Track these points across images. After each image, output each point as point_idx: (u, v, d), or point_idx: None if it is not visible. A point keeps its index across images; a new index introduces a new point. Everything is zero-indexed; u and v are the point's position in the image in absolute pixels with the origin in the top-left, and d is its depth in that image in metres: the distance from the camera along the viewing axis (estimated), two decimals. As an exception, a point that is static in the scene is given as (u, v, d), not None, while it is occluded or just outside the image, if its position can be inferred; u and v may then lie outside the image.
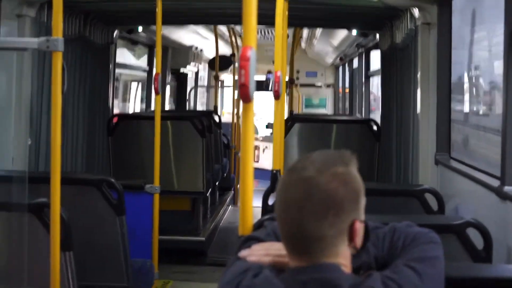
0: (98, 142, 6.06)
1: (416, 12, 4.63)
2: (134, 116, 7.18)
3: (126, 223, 3.75)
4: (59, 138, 2.78)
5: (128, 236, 3.79)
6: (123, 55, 8.69)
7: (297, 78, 12.28)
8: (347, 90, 11.09)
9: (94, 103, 5.91)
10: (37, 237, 2.93)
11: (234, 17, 5.94)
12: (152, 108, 7.63)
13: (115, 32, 6.40)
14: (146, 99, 9.10)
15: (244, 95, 1.86)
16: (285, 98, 9.40)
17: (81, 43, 5.45)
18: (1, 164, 4.31)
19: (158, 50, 5.10)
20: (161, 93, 9.27)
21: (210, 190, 7.07)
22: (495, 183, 3.28)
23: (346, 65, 10.99)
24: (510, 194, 3.06)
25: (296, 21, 6.30)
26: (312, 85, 12.54)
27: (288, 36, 9.66)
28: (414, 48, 4.69)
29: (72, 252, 3.00)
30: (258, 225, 2.21)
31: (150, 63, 8.82)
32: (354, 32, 6.94)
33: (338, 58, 10.95)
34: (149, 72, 8.80)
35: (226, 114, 13.66)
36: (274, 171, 3.85)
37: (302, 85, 12.43)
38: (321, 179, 1.53)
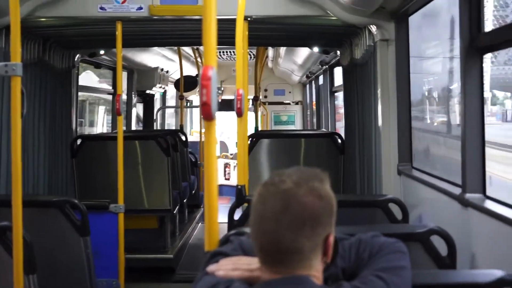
0: (62, 164, 5.98)
1: (374, 29, 4.68)
2: (98, 136, 7.11)
3: (90, 244, 3.69)
4: (20, 161, 2.73)
5: (94, 256, 3.73)
6: (90, 78, 8.64)
7: (265, 97, 12.40)
8: (314, 106, 11.20)
9: (56, 126, 5.84)
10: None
11: (194, 38, 5.95)
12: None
13: (77, 56, 6.35)
14: (112, 120, 9.03)
15: (206, 113, 1.85)
16: (253, 115, 9.52)
17: (40, 68, 5.39)
18: None
19: (119, 73, 5.08)
20: (127, 113, 9.38)
21: (177, 207, 7.02)
22: (457, 191, 3.30)
23: (313, 82, 11.08)
24: (472, 201, 3.08)
25: (257, 40, 6.33)
26: (281, 103, 12.65)
27: (253, 55, 9.78)
28: (373, 63, 4.74)
29: (35, 275, 2.93)
30: (224, 241, 2.17)
31: (114, 85, 8.77)
32: (316, 49, 6.98)
33: (305, 76, 11.04)
34: (114, 94, 8.74)
35: (195, 133, 13.67)
36: (239, 187, 3.82)
37: (271, 103, 12.54)
38: (299, 191, 1.54)
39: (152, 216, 6.74)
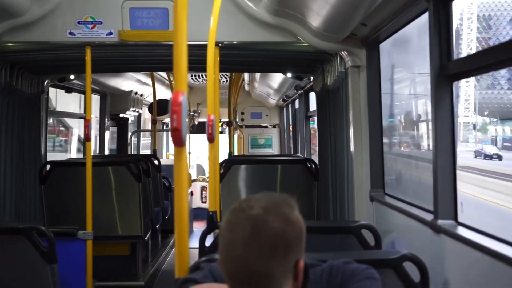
0: (30, 190, 5.88)
1: (345, 55, 4.72)
2: (67, 162, 7.01)
3: (57, 272, 3.62)
4: None
5: (61, 284, 3.66)
6: (61, 102, 8.55)
7: (242, 120, 12.40)
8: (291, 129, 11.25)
9: (24, 151, 5.76)
10: None
11: (166, 64, 5.95)
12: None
13: (46, 81, 6.29)
14: (84, 145, 8.95)
15: (176, 139, 1.85)
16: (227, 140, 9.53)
17: (8, 93, 5.33)
18: None
19: (88, 98, 5.03)
20: (100, 137, 9.29)
21: (149, 233, 6.95)
22: (429, 217, 3.31)
23: (289, 105, 11.13)
24: (443, 227, 3.09)
25: (229, 66, 6.35)
26: (258, 126, 12.66)
27: (227, 79, 9.81)
28: (345, 89, 4.77)
29: None
30: (195, 267, 2.14)
31: (85, 109, 8.70)
32: (289, 75, 7.03)
33: (281, 99, 11.09)
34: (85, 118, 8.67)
35: (171, 156, 13.59)
36: (210, 213, 3.80)
37: (248, 126, 12.55)
38: (268, 218, 1.53)
39: (124, 242, 6.65)
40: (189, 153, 12.81)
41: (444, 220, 3.15)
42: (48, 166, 6.28)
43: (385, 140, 4.69)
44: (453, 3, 3.18)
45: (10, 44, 4.77)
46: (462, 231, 2.98)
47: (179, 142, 1.86)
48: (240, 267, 1.54)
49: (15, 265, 3.53)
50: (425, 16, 3.31)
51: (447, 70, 3.14)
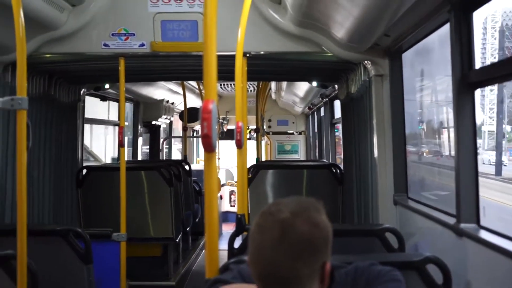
0: (67, 194, 5.96)
1: (368, 65, 4.70)
2: (103, 167, 7.09)
3: (93, 272, 3.65)
4: (25, 192, 2.72)
5: (96, 284, 3.69)
6: (98, 110, 8.67)
7: (269, 127, 12.41)
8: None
9: (62, 157, 5.84)
10: None
11: (196, 73, 5.98)
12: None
13: (82, 90, 6.38)
14: (118, 151, 9.04)
15: (206, 145, 1.87)
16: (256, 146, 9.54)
17: (46, 101, 5.41)
18: None
19: (122, 106, 5.08)
20: (133, 144, 9.38)
21: (180, 235, 6.98)
22: (451, 220, 3.28)
23: (315, 113, 11.11)
24: (466, 231, 3.05)
25: (256, 75, 6.36)
26: (285, 133, 12.66)
27: (254, 88, 9.84)
28: (369, 97, 4.75)
29: None
30: (224, 268, 2.15)
31: (119, 117, 8.80)
32: (314, 84, 7.02)
33: (307, 107, 11.08)
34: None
35: (201, 162, 13.65)
36: (239, 216, 3.81)
37: (275, 133, 12.55)
38: (296, 221, 1.53)
39: (156, 244, 6.69)
40: (218, 158, 12.86)
41: (467, 224, 3.11)
42: (84, 171, 6.35)
43: (412, 149, 4.64)
44: (475, 14, 3.15)
45: (48, 55, 4.84)
46: (484, 235, 2.94)
47: (209, 148, 1.88)
48: (269, 268, 1.54)
49: (54, 265, 3.56)
50: (447, 26, 3.28)
51: (469, 79, 3.11)
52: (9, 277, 2.79)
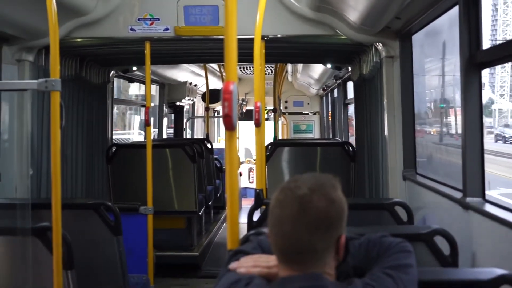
0: (98, 170, 6.02)
1: (380, 47, 4.66)
2: (131, 145, 7.15)
3: (122, 242, 3.69)
4: (59, 168, 2.75)
5: (126, 253, 3.73)
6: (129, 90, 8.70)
7: (286, 107, 12.38)
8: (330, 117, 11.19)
9: (93, 135, 5.89)
10: (41, 258, 2.86)
11: (217, 56, 5.96)
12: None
13: (111, 72, 6.39)
14: (144, 130, 9.10)
15: (228, 124, 1.87)
16: (272, 126, 9.54)
17: (78, 83, 5.44)
18: (6, 192, 4.30)
19: (148, 87, 5.10)
20: (158, 123, 9.43)
21: (203, 209, 7.03)
22: (458, 195, 3.26)
23: (329, 94, 11.06)
24: (472, 205, 3.03)
25: (273, 57, 6.32)
26: (300, 113, 12.65)
27: (273, 70, 9.80)
28: (380, 78, 4.71)
29: (73, 270, 2.93)
30: (245, 240, 2.16)
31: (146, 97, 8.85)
32: (329, 65, 6.97)
33: (321, 89, 11.03)
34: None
35: (221, 140, 13.69)
36: (258, 191, 3.81)
37: (291, 113, 12.55)
38: (314, 197, 1.53)
39: (180, 217, 6.74)
40: (238, 138, 12.88)
41: (472, 198, 3.09)
42: (113, 148, 6.40)
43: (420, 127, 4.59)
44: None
45: (78, 40, 4.86)
46: (489, 208, 2.92)
47: (230, 126, 1.88)
48: (288, 241, 1.55)
49: (86, 237, 3.60)
50: (456, 8, 3.22)
51: (476, 59, 3.07)
52: (46, 247, 2.83)
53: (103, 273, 3.73)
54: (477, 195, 3.10)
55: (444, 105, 5.06)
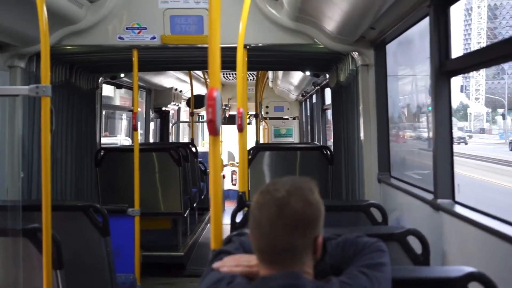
0: (87, 173, 5.97)
1: (356, 55, 4.69)
2: (118, 148, 7.10)
3: (110, 243, 3.66)
4: (49, 171, 2.72)
5: (113, 254, 3.69)
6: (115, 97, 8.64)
7: (267, 112, 12.39)
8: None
9: (82, 139, 5.84)
10: (31, 258, 2.82)
11: (201, 64, 5.96)
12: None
13: (100, 79, 6.35)
14: (131, 134, 9.05)
15: (212, 129, 1.87)
16: (254, 130, 9.53)
17: (68, 89, 5.41)
18: None
19: (135, 93, 5.08)
20: (145, 127, 9.38)
21: (188, 210, 7.00)
22: (429, 196, 3.28)
23: (307, 100, 11.09)
24: (442, 206, 3.06)
25: (255, 65, 6.34)
26: (280, 118, 12.66)
27: (255, 77, 9.81)
28: (356, 85, 4.74)
29: (63, 270, 2.90)
30: (228, 241, 2.15)
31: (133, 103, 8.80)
32: (308, 73, 6.99)
33: (300, 95, 11.06)
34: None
35: (206, 144, 13.65)
36: (240, 193, 3.81)
37: (271, 118, 12.56)
38: (291, 199, 1.54)
39: (166, 218, 6.71)
40: (221, 141, 12.85)
41: (443, 199, 3.12)
42: (102, 152, 6.35)
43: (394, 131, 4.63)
44: (452, 8, 3.13)
45: (69, 47, 4.83)
46: (459, 209, 2.94)
47: (214, 132, 1.88)
48: (267, 241, 1.56)
49: (75, 238, 3.56)
50: (426, 20, 3.26)
51: (446, 67, 3.10)
52: (36, 248, 2.80)
53: (92, 272, 3.69)
54: (447, 196, 3.13)
55: (416, 111, 5.12)
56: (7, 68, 4.60)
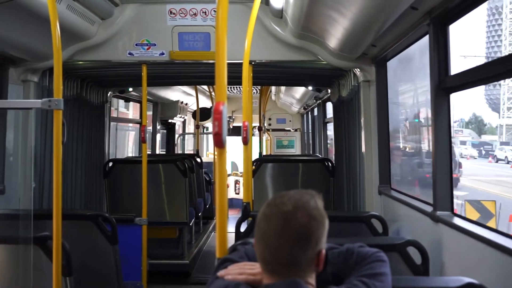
0: (96, 183, 5.98)
1: (357, 72, 4.70)
2: (126, 160, 7.09)
3: (118, 251, 3.65)
4: (60, 181, 2.73)
5: (121, 262, 3.69)
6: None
7: (270, 124, 12.42)
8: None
9: (91, 151, 5.86)
10: (41, 265, 2.82)
11: (208, 79, 5.98)
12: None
13: (109, 93, 6.39)
14: (139, 146, 9.07)
15: (217, 142, 1.87)
16: (258, 142, 9.55)
17: (79, 102, 5.43)
18: (10, 204, 4.27)
19: (144, 107, 5.11)
20: (152, 139, 9.42)
21: (193, 220, 6.99)
22: (429, 208, 3.28)
23: (309, 113, 11.12)
24: (442, 218, 3.05)
25: (260, 80, 6.36)
26: (283, 130, 12.69)
27: (258, 90, 9.85)
28: (358, 100, 4.75)
29: (72, 277, 2.90)
30: (232, 249, 2.15)
31: (141, 116, 8.83)
32: (310, 88, 7.00)
33: (302, 108, 11.08)
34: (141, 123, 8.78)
35: (210, 155, 13.67)
36: (245, 203, 3.80)
37: (274, 130, 12.59)
38: (297, 213, 1.54)
39: (172, 227, 6.69)
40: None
41: (442, 212, 3.11)
42: (110, 163, 6.36)
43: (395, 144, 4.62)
44: (451, 26, 3.14)
45: (80, 62, 4.87)
46: (457, 221, 2.94)
47: (220, 144, 1.88)
48: (272, 252, 1.56)
49: (84, 246, 3.56)
50: (426, 38, 3.27)
51: (445, 84, 3.10)
52: (46, 255, 2.80)
53: (100, 279, 3.68)
54: (446, 209, 3.12)
55: (418, 122, 5.13)
56: (21, 82, 4.64)
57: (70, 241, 2.85)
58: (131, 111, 10.44)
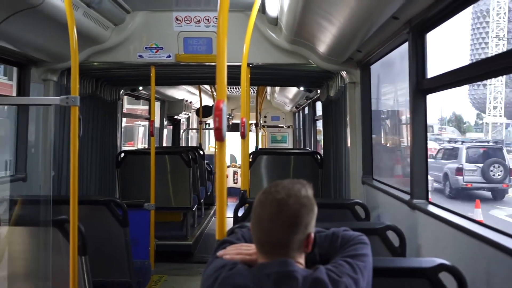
0: (108, 172, 5.98)
1: (344, 74, 4.70)
2: (136, 151, 7.10)
3: (129, 233, 3.66)
4: (77, 171, 2.74)
5: (131, 242, 3.69)
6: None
7: (265, 122, 12.42)
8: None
9: (105, 143, 5.86)
10: (59, 245, 2.82)
11: (209, 79, 5.98)
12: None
13: (121, 91, 6.37)
14: (148, 139, 9.06)
15: (218, 136, 1.87)
16: (254, 137, 9.55)
17: (94, 99, 5.42)
18: (31, 190, 4.28)
19: (153, 104, 5.11)
20: (159, 134, 9.41)
21: (196, 205, 7.00)
22: (406, 197, 3.28)
23: (300, 111, 11.12)
24: (418, 205, 3.06)
25: (257, 81, 6.36)
26: (277, 126, 12.71)
27: (255, 90, 9.85)
28: (344, 100, 4.75)
29: (87, 256, 2.90)
30: (230, 232, 2.15)
31: (150, 113, 8.82)
32: (302, 88, 7.00)
33: (294, 107, 11.08)
34: (149, 119, 8.78)
35: (211, 148, 13.68)
36: (242, 191, 3.81)
37: (269, 126, 12.62)
38: (289, 201, 1.55)
39: (177, 212, 6.71)
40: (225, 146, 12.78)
41: (418, 200, 3.12)
42: (122, 154, 6.36)
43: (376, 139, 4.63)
44: (428, 34, 3.14)
45: (95, 64, 4.86)
46: (432, 208, 2.95)
47: (220, 138, 1.88)
48: (266, 236, 1.57)
49: (98, 228, 3.56)
50: (406, 44, 3.27)
51: (422, 86, 3.11)
52: (64, 237, 2.81)
53: (112, 258, 3.69)
54: (422, 197, 3.13)
55: (386, 122, 5.13)
56: (41, 81, 4.63)
57: (85, 224, 2.85)
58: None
